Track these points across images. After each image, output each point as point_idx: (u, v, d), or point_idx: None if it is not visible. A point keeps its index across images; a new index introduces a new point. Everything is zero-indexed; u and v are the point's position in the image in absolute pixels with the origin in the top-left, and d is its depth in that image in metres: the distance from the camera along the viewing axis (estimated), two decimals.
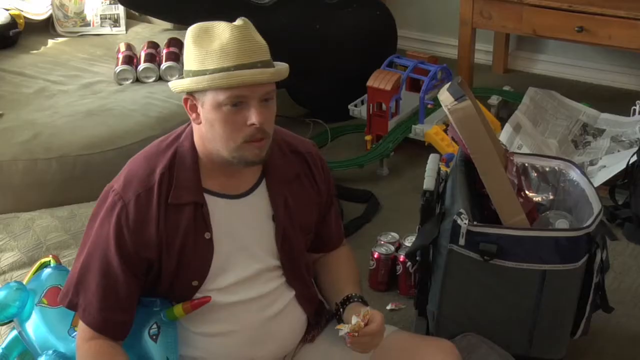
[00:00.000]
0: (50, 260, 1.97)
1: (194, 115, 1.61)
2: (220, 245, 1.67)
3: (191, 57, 1.58)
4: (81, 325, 1.68)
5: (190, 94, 1.59)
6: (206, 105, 1.57)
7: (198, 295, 1.68)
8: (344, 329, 1.66)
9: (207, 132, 1.60)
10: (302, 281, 1.79)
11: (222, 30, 1.55)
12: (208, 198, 1.66)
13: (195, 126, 1.64)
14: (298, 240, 1.76)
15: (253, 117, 1.55)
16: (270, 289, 1.73)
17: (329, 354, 1.79)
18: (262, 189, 1.71)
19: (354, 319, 1.66)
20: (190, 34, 1.59)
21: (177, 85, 1.61)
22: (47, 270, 1.93)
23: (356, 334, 1.65)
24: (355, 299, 1.77)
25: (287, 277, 1.76)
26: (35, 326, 1.83)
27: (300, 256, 1.78)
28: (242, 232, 1.69)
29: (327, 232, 1.87)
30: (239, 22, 1.58)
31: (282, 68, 1.60)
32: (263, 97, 1.57)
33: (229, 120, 1.56)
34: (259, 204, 1.71)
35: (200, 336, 1.70)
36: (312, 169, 1.78)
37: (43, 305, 1.84)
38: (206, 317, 1.68)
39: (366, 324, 1.65)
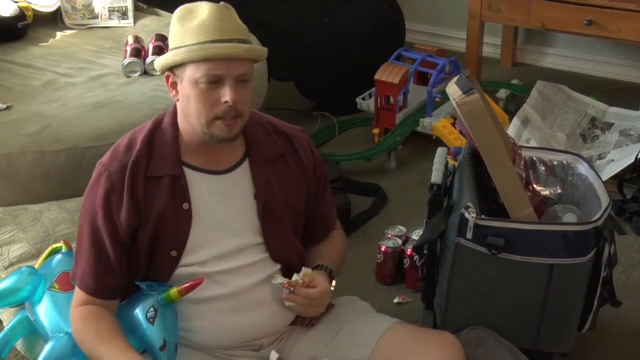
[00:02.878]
0: (61, 246, 2.00)
1: (173, 92, 1.69)
2: (199, 218, 1.71)
3: (174, 36, 1.65)
4: (75, 291, 1.75)
5: (171, 70, 1.66)
6: (184, 82, 1.64)
7: (181, 269, 1.71)
8: (278, 279, 1.70)
9: (183, 108, 1.67)
10: (289, 261, 1.79)
11: (202, 9, 1.63)
12: (188, 172, 1.71)
13: (176, 103, 1.71)
14: (283, 220, 1.77)
15: (227, 95, 1.61)
16: (252, 261, 1.75)
17: (331, 343, 1.79)
18: (244, 167, 1.75)
19: (295, 275, 1.69)
20: (175, 15, 1.66)
21: (158, 61, 1.68)
22: (58, 256, 1.97)
23: (292, 289, 1.69)
24: (322, 268, 1.79)
25: (271, 254, 1.77)
26: (46, 310, 1.88)
27: (286, 236, 1.79)
28: (223, 208, 1.73)
29: (319, 214, 1.88)
30: (220, 3, 1.65)
31: (258, 47, 1.67)
32: (239, 77, 1.62)
33: (204, 97, 1.62)
34: (241, 181, 1.74)
35: (186, 303, 1.71)
36: (298, 150, 1.81)
37: (54, 290, 1.88)
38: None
39: (308, 287, 1.70)
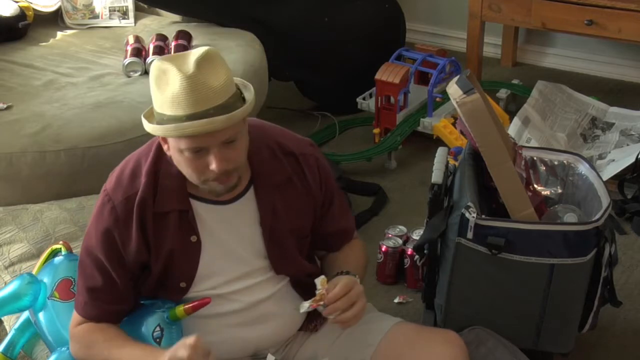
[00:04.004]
0: (60, 248, 1.98)
1: (165, 146, 1.63)
2: (207, 249, 1.69)
3: (153, 96, 1.57)
4: (74, 314, 1.73)
5: None
6: (171, 146, 1.59)
7: (190, 294, 1.70)
8: (304, 306, 1.65)
9: (177, 164, 1.62)
10: (296, 278, 1.79)
11: (173, 78, 1.52)
12: (195, 204, 1.67)
13: None
14: (289, 245, 1.75)
15: (213, 164, 1.56)
16: (260, 280, 1.74)
17: (335, 344, 1.79)
18: (250, 195, 1.71)
19: (316, 292, 1.65)
20: (151, 73, 1.57)
21: (144, 124, 1.61)
22: (59, 259, 1.94)
23: (322, 304, 1.63)
24: (340, 274, 1.73)
25: (277, 273, 1.76)
26: (47, 319, 1.86)
27: (292, 260, 1.77)
28: (230, 237, 1.70)
29: (330, 231, 1.84)
30: (192, 68, 1.51)
31: (236, 113, 1.53)
32: (224, 141, 1.56)
33: (191, 165, 1.58)
34: (246, 209, 1.71)
35: (195, 318, 1.70)
36: (305, 171, 1.75)
37: (55, 299, 1.85)
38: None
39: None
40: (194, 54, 1.55)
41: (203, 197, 1.68)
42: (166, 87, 1.52)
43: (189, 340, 1.52)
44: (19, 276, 1.94)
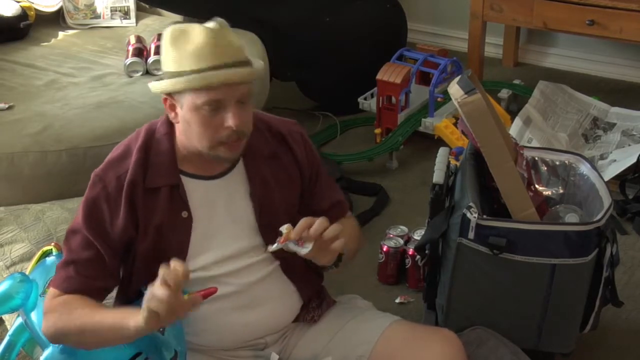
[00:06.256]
0: (52, 249, 1.98)
1: (172, 114, 1.66)
2: (199, 224, 1.70)
3: (168, 59, 1.61)
4: (50, 291, 1.71)
5: (169, 94, 1.63)
6: (184, 107, 1.62)
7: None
8: (272, 246, 1.61)
9: (185, 130, 1.66)
10: (288, 258, 1.76)
11: (197, 33, 1.58)
12: (185, 180, 1.70)
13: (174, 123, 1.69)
14: (280, 217, 1.74)
15: (230, 120, 1.59)
16: (253, 262, 1.74)
17: (333, 341, 1.80)
18: (239, 168, 1.74)
19: (281, 233, 1.61)
20: (167, 36, 1.62)
21: (156, 86, 1.64)
22: (50, 259, 1.95)
23: (290, 238, 1.59)
24: None
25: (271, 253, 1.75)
26: (40, 317, 1.84)
27: None
28: (221, 212, 1.72)
29: (324, 207, 1.83)
30: (213, 24, 1.61)
31: (256, 68, 1.63)
32: (239, 99, 1.60)
33: (206, 123, 1.61)
34: (236, 182, 1.74)
35: None
36: (292, 146, 1.79)
37: None
38: (191, 288, 1.66)
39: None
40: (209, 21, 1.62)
41: (193, 173, 1.70)
42: (187, 44, 1.58)
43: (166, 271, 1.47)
44: (10, 275, 1.93)
